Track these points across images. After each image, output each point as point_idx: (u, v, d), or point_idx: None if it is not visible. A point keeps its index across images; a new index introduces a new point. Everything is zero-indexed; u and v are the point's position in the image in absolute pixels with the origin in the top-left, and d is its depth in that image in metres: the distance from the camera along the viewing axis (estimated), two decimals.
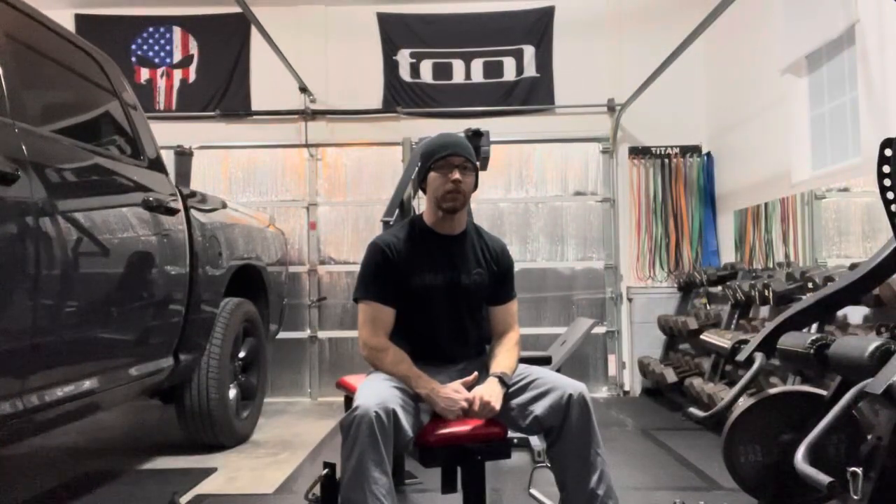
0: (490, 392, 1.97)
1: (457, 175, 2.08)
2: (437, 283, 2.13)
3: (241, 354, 3.80)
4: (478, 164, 2.22)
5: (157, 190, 2.94)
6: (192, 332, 3.20)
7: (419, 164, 2.24)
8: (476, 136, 3.88)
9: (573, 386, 1.96)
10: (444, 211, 2.12)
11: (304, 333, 5.63)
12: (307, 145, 5.73)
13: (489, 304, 2.25)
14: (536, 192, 5.74)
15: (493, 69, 5.78)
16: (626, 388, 5.53)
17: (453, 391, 1.95)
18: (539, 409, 1.97)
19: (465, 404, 1.93)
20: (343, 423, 1.80)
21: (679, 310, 5.42)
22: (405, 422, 1.83)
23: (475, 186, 2.18)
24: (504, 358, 2.12)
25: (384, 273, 2.11)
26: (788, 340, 2.45)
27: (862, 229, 3.68)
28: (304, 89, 5.67)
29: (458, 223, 2.19)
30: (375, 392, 1.85)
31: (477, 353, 2.24)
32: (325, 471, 2.01)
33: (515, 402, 2.02)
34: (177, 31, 5.85)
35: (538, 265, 5.68)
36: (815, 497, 2.28)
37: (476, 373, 2.05)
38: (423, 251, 2.15)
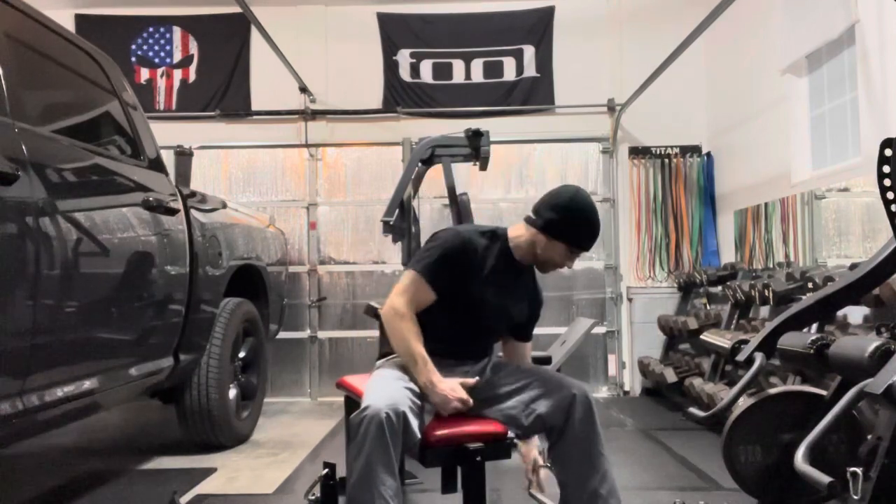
0: None
1: (572, 264, 2.12)
2: (492, 301, 2.10)
3: (241, 354, 3.80)
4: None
5: (157, 190, 2.94)
6: (192, 332, 3.20)
7: (559, 214, 2.04)
8: (476, 136, 3.88)
9: (577, 386, 1.97)
10: (539, 270, 2.18)
11: (304, 333, 5.63)
12: (307, 145, 5.73)
13: (515, 337, 2.26)
14: (536, 192, 5.69)
15: (493, 69, 5.78)
16: (626, 388, 5.53)
17: (450, 388, 1.93)
18: (542, 407, 1.97)
19: (458, 405, 1.92)
20: (352, 422, 1.79)
21: (679, 310, 5.42)
22: (413, 423, 1.82)
23: None
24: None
25: (449, 262, 2.04)
26: (788, 340, 2.45)
27: (862, 229, 3.68)
28: (304, 89, 5.67)
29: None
30: (386, 392, 1.85)
31: (482, 357, 2.25)
32: (325, 471, 2.01)
33: (518, 399, 2.02)
34: (177, 31, 5.85)
35: None
36: (815, 497, 2.28)
37: (478, 378, 2.05)
38: (496, 268, 2.11)
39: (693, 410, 2.68)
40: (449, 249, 2.04)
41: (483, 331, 2.18)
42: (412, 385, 1.95)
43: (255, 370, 3.96)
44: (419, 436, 1.86)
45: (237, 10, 4.38)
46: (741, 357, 2.63)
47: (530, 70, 5.76)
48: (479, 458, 1.96)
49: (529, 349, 2.31)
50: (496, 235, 2.14)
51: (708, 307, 4.89)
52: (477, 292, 2.07)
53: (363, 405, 1.79)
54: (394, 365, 2.09)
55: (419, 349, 1.96)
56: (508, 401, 2.02)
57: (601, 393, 5.55)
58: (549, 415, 1.95)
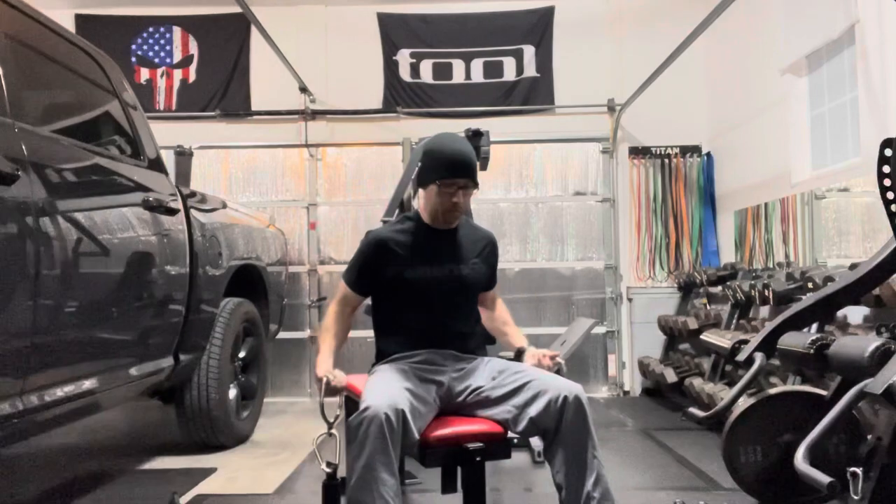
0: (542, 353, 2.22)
1: (459, 199, 2.13)
2: (438, 275, 2.18)
3: (241, 354, 3.80)
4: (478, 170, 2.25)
5: (157, 190, 2.94)
6: (192, 332, 3.20)
7: (421, 162, 2.24)
8: (476, 136, 3.88)
9: (568, 387, 1.94)
10: (444, 222, 2.20)
11: (304, 333, 5.63)
12: (307, 145, 5.73)
13: (483, 290, 2.35)
14: (536, 192, 5.74)
15: (492, 69, 5.78)
16: (626, 388, 5.53)
17: (326, 372, 2.07)
18: (534, 410, 1.95)
19: (323, 381, 2.04)
20: (352, 423, 1.79)
21: (679, 310, 5.42)
22: (413, 423, 1.82)
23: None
24: (515, 332, 2.37)
25: (368, 266, 2.21)
26: (788, 340, 2.45)
27: (862, 229, 3.68)
28: (304, 89, 5.66)
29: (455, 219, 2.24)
30: (385, 392, 1.85)
31: (472, 350, 2.24)
32: (328, 470, 2.01)
33: (512, 403, 2.01)
34: (177, 31, 5.85)
35: (538, 265, 5.68)
36: (815, 497, 2.29)
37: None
38: (422, 246, 2.19)
39: (693, 410, 2.67)
40: (364, 254, 2.22)
41: (449, 306, 2.21)
42: (411, 385, 1.96)
43: (255, 370, 3.96)
44: (418, 436, 1.86)
45: (237, 10, 4.38)
46: (741, 357, 2.63)
47: (530, 70, 5.76)
48: (478, 458, 1.96)
49: (495, 296, 2.43)
50: (410, 218, 2.27)
51: (708, 307, 4.89)
52: (411, 274, 2.16)
53: (362, 406, 1.79)
54: (391, 366, 2.09)
55: (323, 345, 2.19)
56: (503, 405, 2.01)
57: (601, 393, 5.55)
58: (541, 418, 1.93)
